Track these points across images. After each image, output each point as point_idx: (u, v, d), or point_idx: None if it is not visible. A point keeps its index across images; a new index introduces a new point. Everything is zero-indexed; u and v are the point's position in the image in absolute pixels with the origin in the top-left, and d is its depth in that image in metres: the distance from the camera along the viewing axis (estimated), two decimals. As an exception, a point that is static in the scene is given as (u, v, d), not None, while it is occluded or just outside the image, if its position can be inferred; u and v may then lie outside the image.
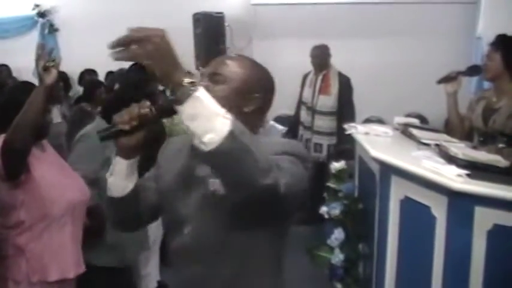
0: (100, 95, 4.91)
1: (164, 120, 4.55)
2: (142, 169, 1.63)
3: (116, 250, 3.19)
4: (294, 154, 1.57)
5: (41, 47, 2.37)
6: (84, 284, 2.73)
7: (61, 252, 2.51)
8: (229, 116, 1.29)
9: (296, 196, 1.52)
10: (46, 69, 2.26)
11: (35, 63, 2.31)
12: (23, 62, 7.26)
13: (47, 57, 2.29)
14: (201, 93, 1.28)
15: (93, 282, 2.83)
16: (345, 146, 4.40)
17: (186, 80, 1.27)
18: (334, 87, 5.50)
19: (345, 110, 5.42)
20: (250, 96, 1.66)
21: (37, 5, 7.62)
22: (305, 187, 1.56)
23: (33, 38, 7.67)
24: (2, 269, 2.46)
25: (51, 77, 2.26)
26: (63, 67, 2.55)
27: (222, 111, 1.29)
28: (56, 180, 2.51)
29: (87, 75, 6.28)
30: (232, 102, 1.55)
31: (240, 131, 1.30)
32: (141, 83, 3.82)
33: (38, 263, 2.44)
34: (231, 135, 1.27)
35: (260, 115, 1.73)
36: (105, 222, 3.11)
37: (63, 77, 3.40)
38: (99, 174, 2.55)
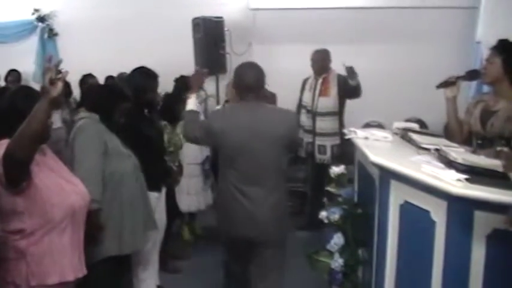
0: None
1: (166, 129, 4.61)
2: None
3: (117, 237, 3.26)
4: None
5: (49, 60, 2.38)
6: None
7: (61, 257, 2.53)
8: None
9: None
10: (53, 82, 2.26)
11: (42, 75, 2.30)
12: (22, 66, 7.29)
13: (54, 70, 2.29)
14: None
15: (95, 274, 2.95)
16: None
17: None
18: (334, 88, 5.52)
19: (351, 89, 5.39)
20: None
21: (36, 10, 7.63)
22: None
23: (32, 43, 7.70)
24: (3, 272, 2.48)
25: (57, 90, 2.26)
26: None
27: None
28: (56, 185, 2.53)
29: (90, 80, 6.27)
30: None
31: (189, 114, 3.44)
32: (144, 87, 3.91)
33: (37, 266, 2.45)
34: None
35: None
36: (101, 228, 3.17)
37: (65, 83, 3.43)
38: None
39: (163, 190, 4.19)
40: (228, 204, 3.28)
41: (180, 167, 4.84)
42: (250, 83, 3.26)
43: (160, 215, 4.14)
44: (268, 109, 3.38)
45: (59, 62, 2.38)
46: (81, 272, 2.67)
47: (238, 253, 3.44)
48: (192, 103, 3.46)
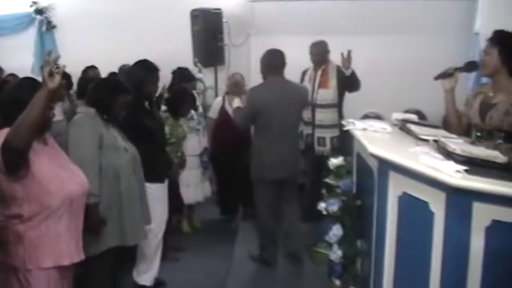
0: None
1: (168, 121, 4.63)
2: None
3: (118, 229, 3.27)
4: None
5: (48, 54, 2.47)
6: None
7: (57, 242, 2.61)
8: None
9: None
10: (51, 74, 2.34)
11: (42, 68, 2.38)
12: (21, 59, 7.26)
13: (53, 63, 2.38)
14: None
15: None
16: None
17: None
18: (333, 80, 5.50)
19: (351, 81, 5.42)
20: None
21: (34, 2, 7.60)
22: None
23: (30, 36, 7.67)
24: (4, 256, 2.58)
25: (54, 82, 2.35)
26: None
27: None
28: (54, 173, 2.61)
29: (91, 72, 6.25)
30: None
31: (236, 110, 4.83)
32: (144, 81, 3.91)
33: (34, 250, 2.55)
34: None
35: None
36: (101, 220, 3.17)
37: (65, 76, 3.48)
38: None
39: (166, 182, 4.20)
40: (265, 155, 4.51)
41: (183, 158, 4.88)
42: (278, 63, 4.55)
43: (164, 207, 4.14)
44: (289, 83, 4.71)
45: (57, 57, 2.45)
46: (78, 257, 2.74)
47: (271, 190, 4.60)
48: (237, 103, 4.84)
